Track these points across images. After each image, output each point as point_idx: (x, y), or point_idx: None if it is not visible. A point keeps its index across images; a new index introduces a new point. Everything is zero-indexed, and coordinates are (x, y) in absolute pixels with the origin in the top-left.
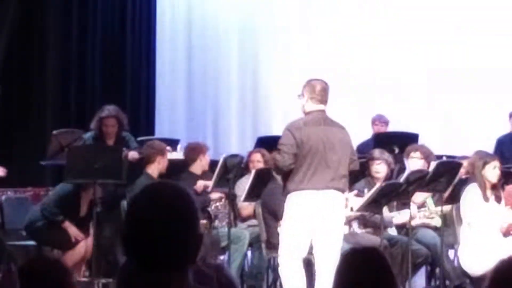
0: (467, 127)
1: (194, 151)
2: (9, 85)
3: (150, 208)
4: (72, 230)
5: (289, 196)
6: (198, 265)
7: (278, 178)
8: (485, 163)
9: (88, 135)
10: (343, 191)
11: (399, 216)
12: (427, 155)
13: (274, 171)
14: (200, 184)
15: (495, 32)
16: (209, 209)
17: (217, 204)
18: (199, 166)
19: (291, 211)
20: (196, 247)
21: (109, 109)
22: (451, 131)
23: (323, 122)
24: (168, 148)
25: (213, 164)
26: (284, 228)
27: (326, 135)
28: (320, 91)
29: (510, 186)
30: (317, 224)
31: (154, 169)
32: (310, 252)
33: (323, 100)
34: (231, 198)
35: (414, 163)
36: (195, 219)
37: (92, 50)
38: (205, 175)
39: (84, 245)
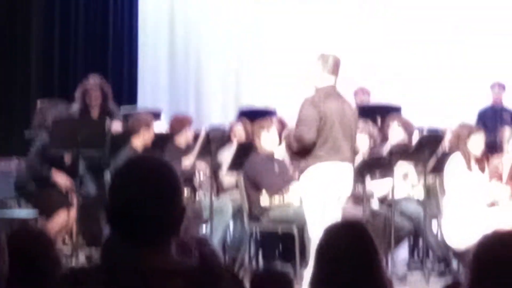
0: (449, 100)
1: (180, 123)
2: None
3: (133, 181)
4: (62, 179)
5: (309, 169)
6: (181, 238)
7: (262, 149)
8: (469, 136)
9: (74, 109)
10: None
11: (381, 188)
12: (405, 124)
13: (291, 146)
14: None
15: (478, 4)
16: (193, 180)
17: (201, 175)
18: (183, 139)
19: (315, 184)
20: (179, 220)
21: (92, 80)
22: (433, 104)
23: (338, 97)
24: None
25: (195, 134)
26: (310, 202)
27: (342, 109)
28: (333, 65)
29: (495, 157)
30: (335, 196)
31: (138, 142)
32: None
33: (336, 74)
34: (214, 169)
35: (395, 134)
36: (178, 192)
37: (75, 19)
38: (189, 149)
39: (66, 215)
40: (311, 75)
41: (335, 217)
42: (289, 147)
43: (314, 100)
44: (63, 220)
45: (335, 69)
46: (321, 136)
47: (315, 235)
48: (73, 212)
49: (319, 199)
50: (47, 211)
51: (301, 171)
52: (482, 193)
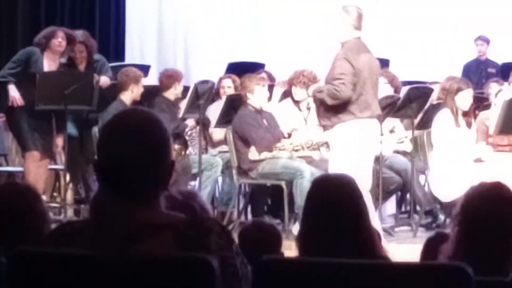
0: (435, 53)
1: (170, 78)
2: None
3: (121, 135)
4: (14, 91)
5: (343, 125)
6: (170, 192)
7: (251, 103)
8: (458, 90)
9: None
10: None
11: None
12: (392, 79)
13: (324, 100)
14: None
15: None
16: (183, 134)
17: (192, 131)
18: (172, 94)
19: (349, 141)
20: (167, 174)
21: (77, 35)
22: (420, 57)
23: (366, 50)
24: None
25: (184, 90)
26: (343, 159)
27: (372, 62)
28: (357, 18)
29: (483, 113)
30: (368, 154)
31: (127, 96)
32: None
33: (360, 26)
34: (203, 124)
35: (381, 88)
36: (167, 146)
37: None
38: (177, 101)
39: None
40: (334, 29)
41: (368, 175)
42: (320, 102)
43: (347, 54)
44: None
45: (359, 21)
46: (355, 91)
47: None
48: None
49: (353, 156)
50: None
51: (331, 126)
52: (468, 148)
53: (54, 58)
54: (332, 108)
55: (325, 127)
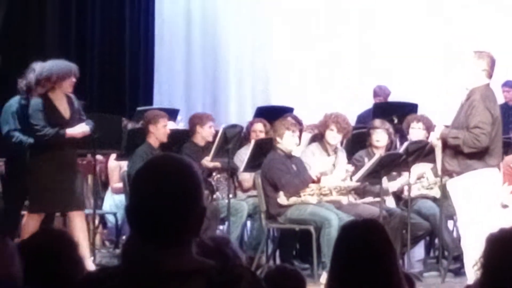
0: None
1: (200, 119)
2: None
3: (153, 181)
4: (76, 130)
5: (481, 172)
6: (202, 238)
7: (280, 148)
8: None
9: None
10: None
11: (395, 183)
12: (429, 125)
13: (460, 148)
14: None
15: None
16: (210, 180)
17: (219, 175)
18: (201, 136)
19: (487, 187)
20: (199, 220)
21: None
22: (450, 101)
23: (496, 98)
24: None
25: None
26: (480, 205)
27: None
28: (493, 66)
29: (509, 157)
30: (497, 203)
31: (152, 139)
32: (309, 224)
33: (492, 73)
34: (231, 169)
35: (416, 133)
36: (199, 192)
37: (92, 20)
38: (208, 146)
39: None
40: (465, 73)
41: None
42: (447, 146)
43: (488, 102)
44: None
45: (492, 67)
46: (492, 141)
47: (474, 242)
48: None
49: (488, 205)
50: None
51: (460, 172)
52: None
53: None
54: (462, 155)
55: (450, 173)
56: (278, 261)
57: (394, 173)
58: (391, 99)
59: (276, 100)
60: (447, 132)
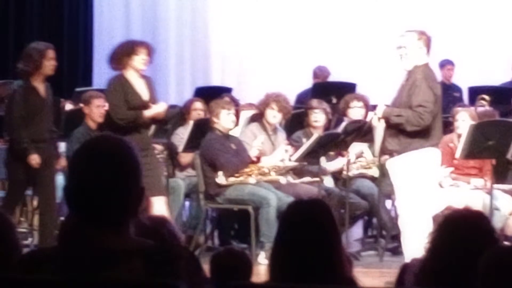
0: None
1: None
2: None
3: (92, 160)
4: (154, 110)
5: (421, 151)
6: (139, 218)
7: (218, 128)
8: None
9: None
10: None
11: (334, 164)
12: (367, 105)
13: (403, 127)
14: None
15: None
16: None
17: (159, 156)
18: None
19: (428, 167)
20: (137, 201)
21: None
22: (387, 81)
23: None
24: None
25: None
26: (420, 184)
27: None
28: (429, 44)
29: (448, 137)
30: (437, 182)
31: (89, 120)
32: (247, 204)
33: (429, 51)
34: (170, 149)
35: (355, 112)
36: (137, 172)
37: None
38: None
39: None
40: (408, 51)
41: (439, 203)
42: (394, 126)
43: (430, 80)
44: None
45: (429, 45)
46: (433, 120)
47: (420, 217)
48: None
49: (431, 183)
50: None
51: (401, 152)
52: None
53: None
54: (403, 134)
55: (390, 153)
56: (216, 241)
57: (332, 153)
58: (330, 79)
59: (216, 81)
60: (389, 111)
